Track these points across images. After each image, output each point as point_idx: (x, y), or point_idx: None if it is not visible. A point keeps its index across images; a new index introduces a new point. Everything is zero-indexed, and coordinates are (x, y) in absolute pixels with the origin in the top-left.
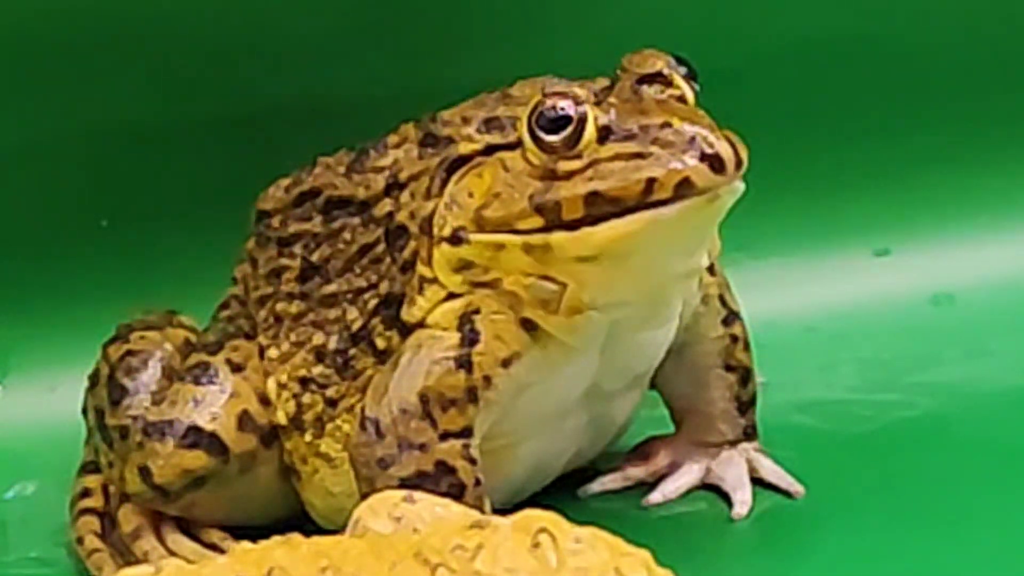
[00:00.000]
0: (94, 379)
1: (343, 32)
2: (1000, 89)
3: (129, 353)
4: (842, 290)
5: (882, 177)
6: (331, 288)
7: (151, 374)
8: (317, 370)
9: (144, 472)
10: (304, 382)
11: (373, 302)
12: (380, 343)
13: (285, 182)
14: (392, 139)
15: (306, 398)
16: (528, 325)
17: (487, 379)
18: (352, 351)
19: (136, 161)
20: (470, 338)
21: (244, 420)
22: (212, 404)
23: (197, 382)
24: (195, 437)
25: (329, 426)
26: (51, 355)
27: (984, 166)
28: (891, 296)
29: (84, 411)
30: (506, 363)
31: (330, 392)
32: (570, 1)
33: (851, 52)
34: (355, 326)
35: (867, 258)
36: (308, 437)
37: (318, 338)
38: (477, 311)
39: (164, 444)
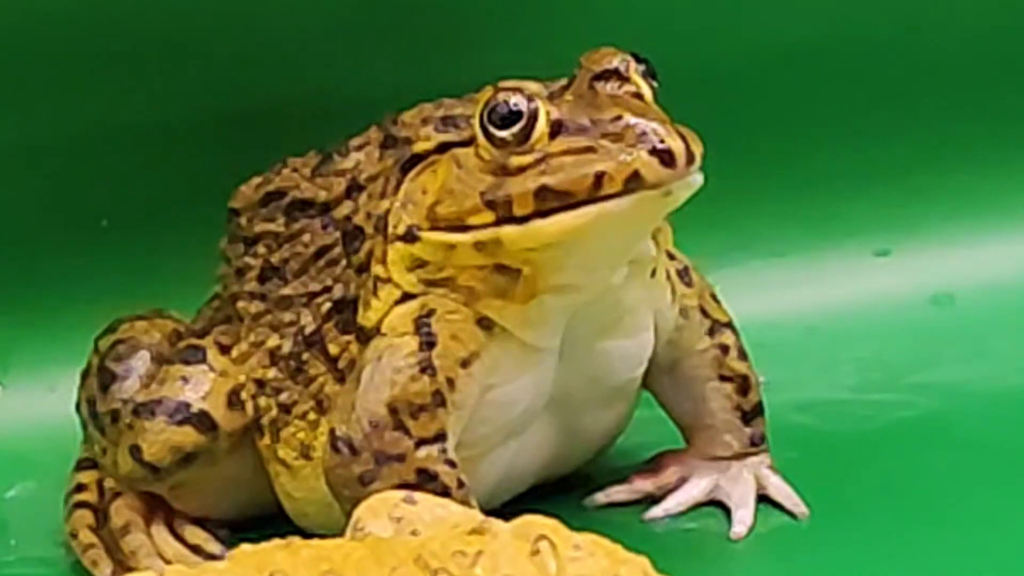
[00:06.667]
0: (85, 372)
1: (343, 32)
2: (1000, 89)
3: (118, 342)
4: (842, 290)
5: (882, 177)
6: (287, 290)
7: (140, 360)
8: (271, 373)
9: (135, 450)
10: (260, 384)
11: (326, 306)
12: (333, 349)
13: (256, 181)
14: (355, 142)
15: (262, 401)
16: (484, 324)
17: (450, 381)
18: (305, 355)
19: (136, 161)
20: (427, 341)
21: (234, 398)
22: (202, 383)
23: (187, 362)
24: (185, 414)
25: (284, 433)
26: (51, 355)
27: (984, 166)
28: (891, 296)
29: (77, 406)
30: (465, 363)
31: (283, 397)
32: (569, 1)
33: (851, 52)
34: (308, 330)
35: (867, 258)
36: (267, 440)
37: (273, 340)
38: (432, 313)
39: (154, 422)
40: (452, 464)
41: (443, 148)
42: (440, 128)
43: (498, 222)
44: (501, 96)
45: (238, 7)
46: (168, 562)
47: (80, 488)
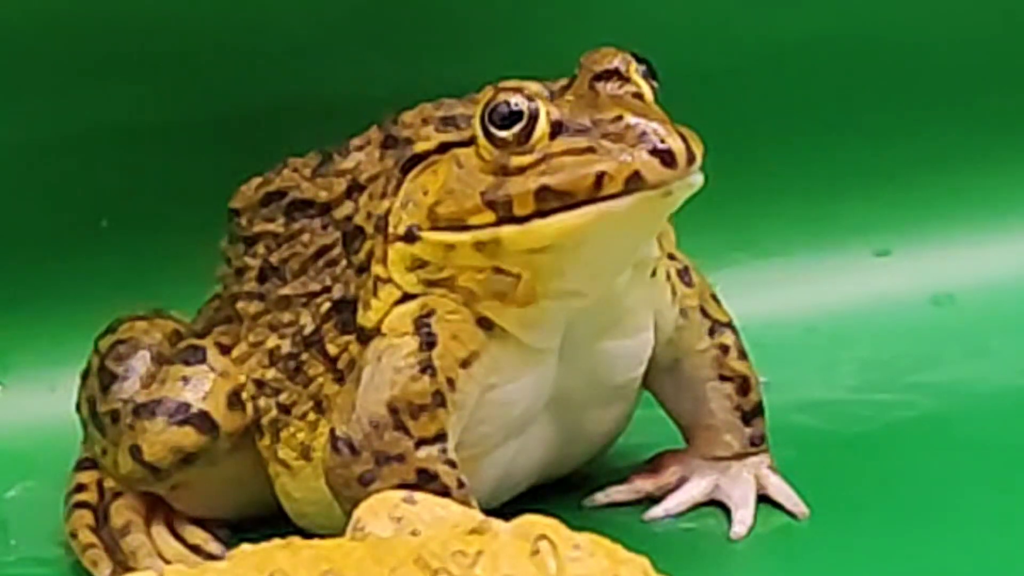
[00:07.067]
0: (85, 372)
1: (343, 32)
2: (999, 89)
3: (119, 342)
4: (842, 290)
5: (882, 177)
6: (286, 290)
7: (140, 360)
8: (270, 374)
9: (135, 451)
10: (259, 384)
11: (325, 306)
12: (332, 350)
13: (256, 181)
14: (355, 142)
15: (262, 402)
16: (484, 324)
17: (450, 381)
18: (304, 356)
19: (136, 161)
20: (428, 341)
21: (234, 399)
22: (202, 383)
23: (187, 363)
24: (185, 414)
25: (283, 433)
26: (51, 355)
27: (984, 166)
28: (891, 296)
29: (77, 406)
30: (465, 363)
31: (282, 398)
32: (569, 1)
33: (850, 52)
34: (307, 330)
35: (867, 258)
36: (267, 441)
37: (272, 341)
38: (432, 313)
39: (154, 423)
40: (452, 464)
41: (444, 148)
42: (440, 128)
43: (498, 222)
44: (502, 96)
45: (238, 7)
46: (168, 562)
47: (80, 488)
